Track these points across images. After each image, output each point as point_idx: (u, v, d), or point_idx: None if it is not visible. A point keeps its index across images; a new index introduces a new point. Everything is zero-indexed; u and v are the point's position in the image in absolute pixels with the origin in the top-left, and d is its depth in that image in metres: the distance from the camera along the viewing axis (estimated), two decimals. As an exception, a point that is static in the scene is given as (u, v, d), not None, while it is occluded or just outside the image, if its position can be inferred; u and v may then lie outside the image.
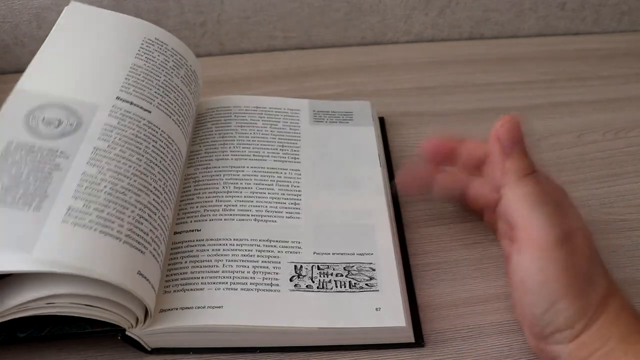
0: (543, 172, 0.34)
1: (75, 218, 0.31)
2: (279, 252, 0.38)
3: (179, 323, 0.34)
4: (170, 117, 0.40)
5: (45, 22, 0.55)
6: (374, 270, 0.38)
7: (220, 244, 0.38)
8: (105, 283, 0.31)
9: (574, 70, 0.59)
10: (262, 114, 0.47)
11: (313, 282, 0.37)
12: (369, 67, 0.59)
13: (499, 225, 0.38)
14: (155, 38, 0.43)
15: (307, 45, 0.62)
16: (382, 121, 0.51)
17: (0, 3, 0.54)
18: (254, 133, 0.46)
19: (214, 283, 0.36)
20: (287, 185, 0.42)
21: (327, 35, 0.61)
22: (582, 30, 0.65)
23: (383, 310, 0.36)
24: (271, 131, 0.46)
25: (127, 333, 0.34)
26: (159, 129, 0.38)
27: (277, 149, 0.45)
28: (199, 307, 0.35)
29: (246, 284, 0.36)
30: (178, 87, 0.42)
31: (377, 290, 0.37)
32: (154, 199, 0.35)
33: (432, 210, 0.45)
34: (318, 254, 0.39)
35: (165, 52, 0.43)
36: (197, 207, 0.40)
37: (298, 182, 0.43)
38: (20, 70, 0.38)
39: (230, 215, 0.40)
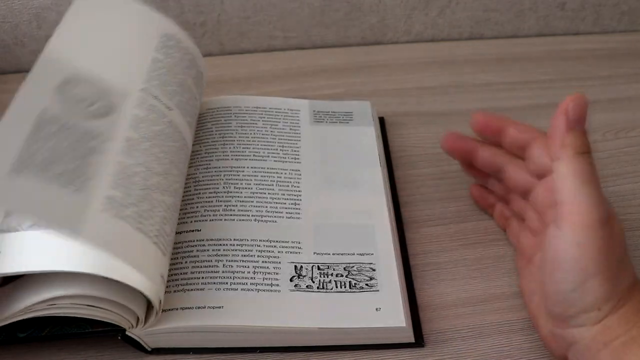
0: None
1: (116, 209, 0.31)
2: (279, 252, 0.38)
3: (179, 323, 0.34)
4: (184, 118, 0.40)
5: (45, 22, 0.55)
6: (374, 270, 0.38)
7: (220, 244, 0.38)
8: (107, 283, 0.31)
9: (574, 70, 0.59)
10: (262, 114, 0.48)
11: (313, 282, 0.37)
12: (369, 67, 0.59)
13: (528, 215, 0.38)
14: (173, 34, 0.42)
15: (307, 45, 0.62)
16: (382, 121, 0.51)
17: (0, 3, 0.54)
18: (254, 133, 0.46)
19: (214, 283, 0.36)
20: (287, 186, 0.42)
21: (327, 35, 0.61)
22: (582, 30, 0.65)
23: (383, 310, 0.36)
24: (271, 131, 0.46)
25: (127, 333, 0.34)
26: (178, 129, 0.38)
27: (277, 149, 0.45)
28: (199, 307, 0.35)
29: (246, 284, 0.36)
30: (191, 88, 0.41)
31: (377, 291, 0.37)
32: (172, 202, 0.35)
33: (432, 210, 0.45)
34: (318, 254, 0.39)
35: (181, 50, 0.42)
36: (197, 207, 0.40)
37: (298, 183, 0.43)
38: (20, 70, 0.39)
39: (231, 215, 0.40)
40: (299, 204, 0.41)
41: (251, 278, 0.36)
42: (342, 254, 0.39)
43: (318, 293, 0.36)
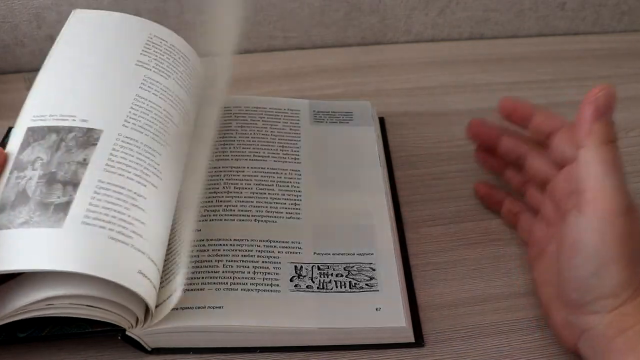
0: None
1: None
2: (279, 252, 0.38)
3: (179, 323, 0.34)
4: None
5: (45, 22, 0.55)
6: (374, 270, 0.38)
7: (220, 244, 0.38)
8: (105, 283, 0.31)
9: (574, 70, 0.59)
10: (262, 114, 0.48)
11: (313, 282, 0.37)
12: (369, 67, 0.59)
13: (544, 206, 0.38)
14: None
15: (307, 45, 0.62)
16: (382, 121, 0.51)
17: (0, 3, 0.54)
18: (254, 133, 0.46)
19: (214, 283, 0.36)
20: (287, 186, 0.42)
21: (327, 35, 0.61)
22: (582, 30, 0.65)
23: (383, 310, 0.36)
24: (271, 131, 0.46)
25: (127, 333, 0.34)
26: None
27: (277, 149, 0.45)
28: (199, 307, 0.35)
29: (246, 284, 0.36)
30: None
31: (377, 291, 0.37)
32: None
33: (432, 210, 0.45)
34: (318, 254, 0.39)
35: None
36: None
37: (298, 183, 0.43)
38: (20, 70, 0.38)
39: (231, 215, 0.40)
40: (299, 204, 0.41)
41: (251, 278, 0.36)
42: (342, 254, 0.39)
43: (318, 293, 0.36)
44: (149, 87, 0.39)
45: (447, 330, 0.37)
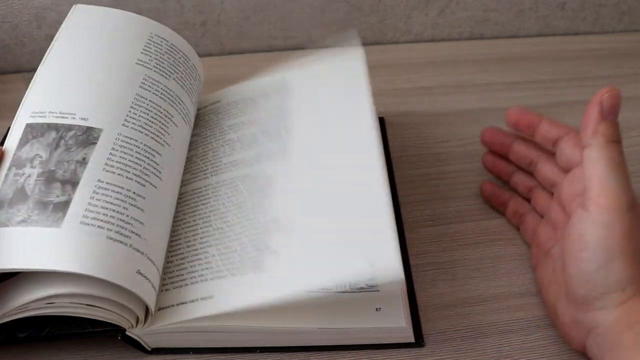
0: None
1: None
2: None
3: (172, 320, 0.34)
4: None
5: (45, 22, 0.55)
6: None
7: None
8: (105, 282, 0.31)
9: (574, 70, 0.59)
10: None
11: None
12: (368, 67, 0.59)
13: (551, 209, 0.39)
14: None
15: (307, 45, 0.62)
16: (382, 121, 0.51)
17: (0, 3, 0.54)
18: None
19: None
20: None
21: (327, 35, 0.61)
22: (582, 30, 0.65)
23: (383, 310, 0.36)
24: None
25: (127, 333, 0.34)
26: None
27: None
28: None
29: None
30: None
31: (377, 291, 0.37)
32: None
33: (432, 210, 0.45)
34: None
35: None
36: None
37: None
38: (20, 70, 0.38)
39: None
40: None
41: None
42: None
43: (318, 293, 0.36)
44: (149, 86, 0.39)
45: (447, 330, 0.37)
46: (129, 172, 0.35)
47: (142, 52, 0.41)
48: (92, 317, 0.32)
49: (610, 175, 0.33)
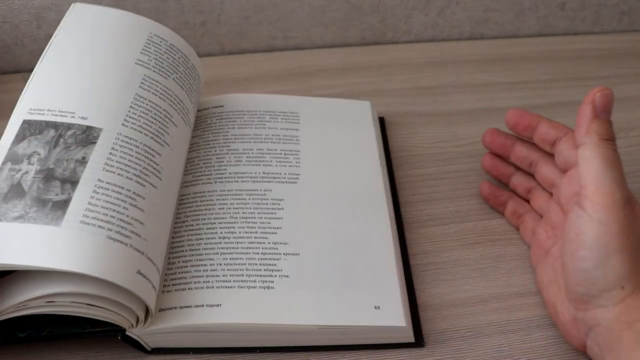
0: None
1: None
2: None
3: (178, 322, 0.34)
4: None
5: (45, 22, 0.55)
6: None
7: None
8: (105, 282, 0.31)
9: (574, 70, 0.59)
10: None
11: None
12: (369, 67, 0.59)
13: (550, 209, 0.39)
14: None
15: (307, 45, 0.62)
16: (382, 121, 0.51)
17: (0, 3, 0.54)
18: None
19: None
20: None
21: (327, 35, 0.61)
22: (582, 30, 0.65)
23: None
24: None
25: (127, 333, 0.34)
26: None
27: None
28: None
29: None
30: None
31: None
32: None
33: (432, 210, 0.45)
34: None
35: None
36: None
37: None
38: (20, 70, 0.38)
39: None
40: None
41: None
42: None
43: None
44: (148, 86, 0.39)
45: (447, 330, 0.37)
46: (128, 172, 0.35)
47: (141, 52, 0.41)
48: (92, 317, 0.32)
49: (605, 172, 0.33)
